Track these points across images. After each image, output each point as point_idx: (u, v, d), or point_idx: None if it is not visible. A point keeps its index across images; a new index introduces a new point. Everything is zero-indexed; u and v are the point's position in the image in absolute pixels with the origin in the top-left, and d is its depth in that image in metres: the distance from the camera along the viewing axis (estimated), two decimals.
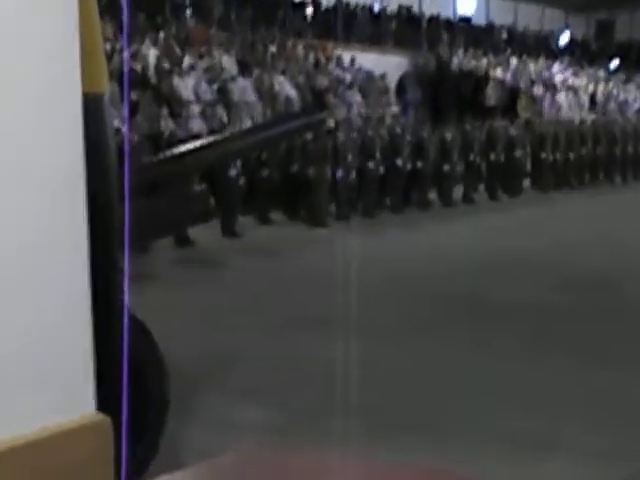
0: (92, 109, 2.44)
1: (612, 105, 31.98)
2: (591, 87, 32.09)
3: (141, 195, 4.15)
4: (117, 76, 15.72)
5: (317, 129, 12.13)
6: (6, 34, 2.08)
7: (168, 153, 5.19)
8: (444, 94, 25.88)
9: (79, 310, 2.47)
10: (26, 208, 2.23)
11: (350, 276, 8.95)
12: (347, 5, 27.38)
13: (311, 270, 10.62)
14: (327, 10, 27.04)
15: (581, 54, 37.40)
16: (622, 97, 33.17)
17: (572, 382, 6.52)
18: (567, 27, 38.36)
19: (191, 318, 8.05)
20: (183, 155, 4.58)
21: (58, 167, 2.23)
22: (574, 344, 7.54)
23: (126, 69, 15.34)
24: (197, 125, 16.56)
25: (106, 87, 2.71)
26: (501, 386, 6.48)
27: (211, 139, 5.66)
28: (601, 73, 35.50)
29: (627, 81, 35.69)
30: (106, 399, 2.65)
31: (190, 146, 4.84)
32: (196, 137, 15.26)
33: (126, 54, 16.41)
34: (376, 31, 27.78)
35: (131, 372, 2.70)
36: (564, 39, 37.86)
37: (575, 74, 33.02)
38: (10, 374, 2.31)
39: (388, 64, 25.23)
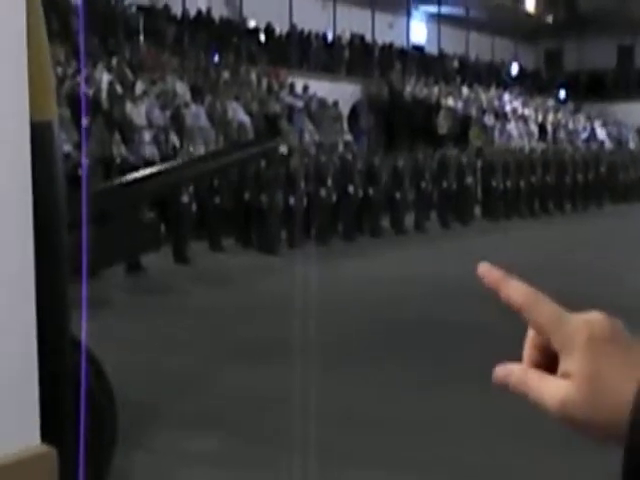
0: (40, 137, 2.41)
1: (562, 134, 32.45)
2: (541, 116, 32.55)
3: (92, 223, 4.10)
4: (69, 101, 15.66)
5: (270, 156, 12.16)
6: None
7: (119, 180, 5.15)
8: (396, 122, 26.10)
9: (24, 339, 2.43)
10: None
11: (300, 304, 8.94)
12: (301, 32, 27.50)
13: (262, 298, 10.59)
14: (280, 37, 27.15)
15: (531, 84, 37.94)
16: (571, 126, 33.67)
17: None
18: (517, 57, 38.89)
19: (141, 347, 7.97)
20: (135, 182, 4.55)
21: (5, 196, 2.20)
22: None
23: (82, 93, 15.27)
24: (149, 151, 16.49)
25: (54, 114, 2.68)
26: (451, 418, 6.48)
27: (164, 166, 5.64)
28: (551, 102, 36.05)
29: (576, 111, 36.26)
30: (52, 430, 2.61)
31: (142, 173, 4.81)
32: (148, 163, 15.26)
33: (82, 78, 16.34)
34: (329, 59, 27.94)
35: (78, 401, 2.66)
36: (514, 69, 38.38)
37: (525, 103, 33.48)
38: None
39: (341, 92, 25.39)
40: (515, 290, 0.84)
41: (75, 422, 2.83)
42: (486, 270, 0.86)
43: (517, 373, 0.83)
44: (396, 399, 6.81)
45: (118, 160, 14.80)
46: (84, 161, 9.40)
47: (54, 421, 2.60)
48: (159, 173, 4.92)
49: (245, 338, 8.55)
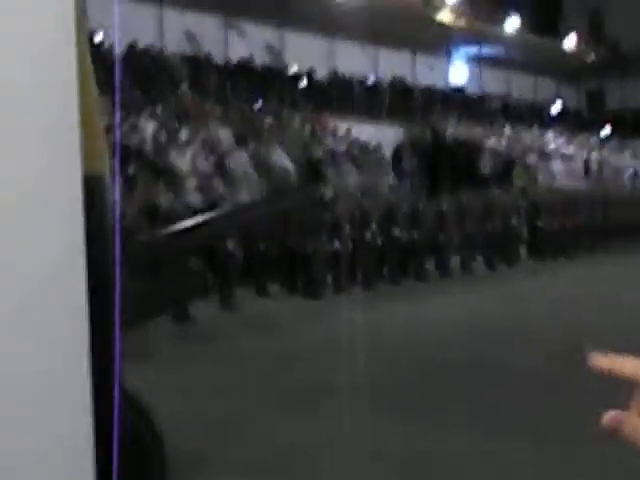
0: (92, 191, 2.43)
1: (606, 172, 32.21)
2: (584, 155, 32.36)
3: (140, 273, 4.13)
4: (113, 151, 15.85)
5: (314, 204, 12.21)
6: (8, 115, 2.07)
7: (166, 230, 5.19)
8: (439, 164, 26.06)
9: (79, 392, 2.43)
10: (26, 288, 2.20)
11: (347, 349, 8.90)
12: (342, 77, 27.69)
13: (309, 343, 10.56)
14: (322, 81, 27.35)
15: (573, 122, 37.80)
16: (615, 164, 33.42)
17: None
18: (559, 96, 38.80)
19: (188, 394, 7.97)
20: (181, 232, 4.57)
21: (58, 251, 2.21)
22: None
23: (117, 145, 15.43)
24: (194, 198, 16.60)
25: (106, 168, 2.70)
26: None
27: (209, 215, 5.66)
28: (594, 141, 35.84)
29: (620, 149, 36.01)
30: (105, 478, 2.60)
31: (188, 223, 4.84)
32: (193, 211, 15.36)
33: (117, 129, 16.53)
34: (371, 102, 28.06)
35: (130, 450, 2.65)
36: (556, 108, 38.29)
37: (568, 142, 33.31)
38: (12, 455, 2.26)
39: (383, 135, 25.47)
40: (625, 363, 0.82)
41: (128, 470, 2.82)
42: (599, 360, 0.85)
43: (633, 421, 0.80)
44: (445, 440, 6.72)
45: (163, 209, 14.87)
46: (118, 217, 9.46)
47: (108, 469, 2.59)
48: (205, 223, 4.94)
49: (292, 384, 8.51)
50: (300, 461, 6.37)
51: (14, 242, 2.14)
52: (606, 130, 38.38)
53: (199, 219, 5.01)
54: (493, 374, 9.04)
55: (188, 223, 4.81)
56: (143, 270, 4.29)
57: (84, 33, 2.52)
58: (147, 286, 4.30)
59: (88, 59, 2.61)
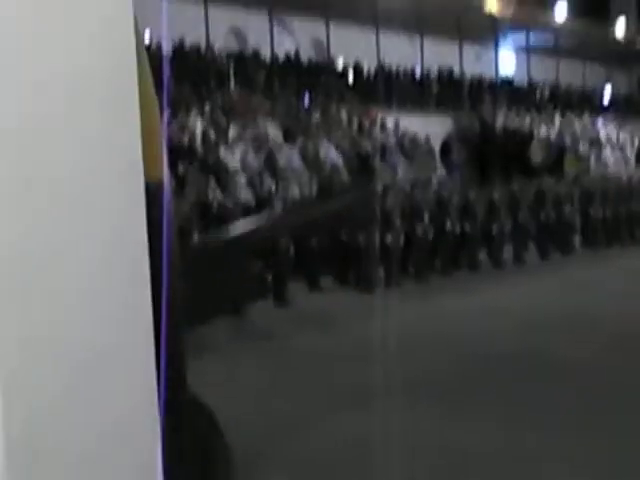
0: (153, 197, 2.42)
1: None
2: (636, 142, 31.92)
3: (202, 274, 4.14)
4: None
5: (368, 202, 12.18)
6: (72, 128, 2.07)
7: (225, 233, 5.20)
8: (489, 154, 25.87)
9: (146, 407, 2.42)
10: (93, 302, 2.20)
11: (404, 346, 8.87)
12: (389, 69, 27.59)
13: (361, 339, 10.51)
14: (369, 75, 27.28)
15: (625, 109, 37.28)
16: None
17: None
18: (609, 82, 38.30)
19: (244, 391, 7.99)
20: (240, 235, 4.57)
21: (122, 258, 2.21)
22: None
23: (165, 141, 15.52)
24: (244, 195, 16.65)
25: (165, 173, 2.69)
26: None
27: (265, 217, 5.66)
28: None
29: None
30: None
31: (246, 226, 4.85)
32: (244, 207, 15.40)
33: (165, 127, 16.63)
34: (418, 94, 27.94)
35: (198, 462, 2.65)
36: (607, 95, 37.81)
37: (619, 129, 32.87)
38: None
39: (432, 127, 25.32)
40: None
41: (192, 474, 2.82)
42: None
43: None
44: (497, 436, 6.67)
45: (215, 205, 14.93)
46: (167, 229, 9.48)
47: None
48: (261, 225, 4.95)
49: (346, 381, 8.49)
50: (354, 456, 6.36)
51: (76, 252, 2.13)
52: None
53: (255, 221, 5.02)
54: (548, 366, 8.96)
55: (246, 226, 4.81)
56: (202, 273, 4.29)
57: (139, 33, 2.50)
58: (207, 289, 4.30)
59: (146, 60, 2.58)
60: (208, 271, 4.38)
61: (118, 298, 2.27)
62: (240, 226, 4.86)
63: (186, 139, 17.36)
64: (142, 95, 2.41)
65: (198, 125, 18.21)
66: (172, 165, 15.20)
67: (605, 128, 32.29)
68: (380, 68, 26.83)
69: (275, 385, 8.46)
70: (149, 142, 2.53)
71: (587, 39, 35.04)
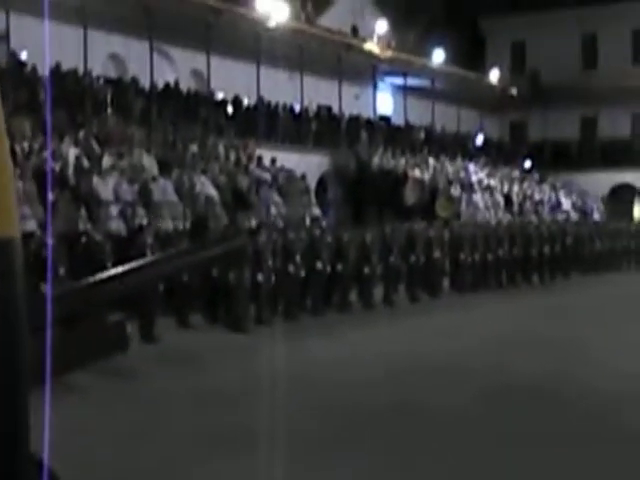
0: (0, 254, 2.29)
1: (527, 204, 32.71)
2: (506, 187, 32.82)
3: (56, 326, 3.98)
4: (35, 176, 15.53)
5: (239, 252, 12.09)
6: None
7: (85, 281, 5.04)
8: (364, 193, 26.20)
9: None
10: None
11: (269, 388, 8.80)
12: (268, 104, 27.64)
13: (229, 380, 10.41)
14: (248, 109, 27.27)
15: (496, 154, 38.35)
16: (537, 197, 33.98)
17: None
18: (482, 128, 39.34)
19: (108, 440, 7.76)
20: (101, 283, 4.44)
21: None
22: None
23: (49, 170, 15.14)
24: (116, 226, 16.35)
25: (17, 229, 2.54)
26: None
27: (131, 266, 5.52)
28: (516, 173, 36.42)
29: (541, 181, 36.65)
30: None
31: (109, 274, 4.71)
32: (115, 239, 15.09)
33: (49, 154, 16.24)
34: (297, 130, 28.08)
35: None
36: (479, 139, 38.81)
37: (491, 174, 33.77)
38: None
39: (309, 163, 25.51)
40: None
41: None
42: None
43: None
44: None
45: (84, 236, 14.53)
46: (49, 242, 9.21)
47: None
48: (126, 273, 4.81)
49: (211, 425, 8.35)
50: None
51: None
52: (528, 162, 39.05)
53: (120, 269, 4.88)
54: (411, 416, 8.94)
55: (109, 273, 4.68)
56: (61, 322, 4.15)
57: None
58: (65, 339, 4.16)
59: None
60: (66, 319, 4.24)
61: None
62: (107, 274, 4.73)
63: (58, 167, 16.93)
64: None
65: (71, 152, 17.80)
66: (42, 192, 14.81)
67: (477, 172, 33.11)
68: (259, 102, 26.85)
69: (133, 428, 8.24)
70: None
71: (462, 84, 35.96)
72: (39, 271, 4.11)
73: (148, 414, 8.82)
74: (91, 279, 4.66)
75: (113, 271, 4.69)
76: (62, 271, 11.28)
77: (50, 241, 10.79)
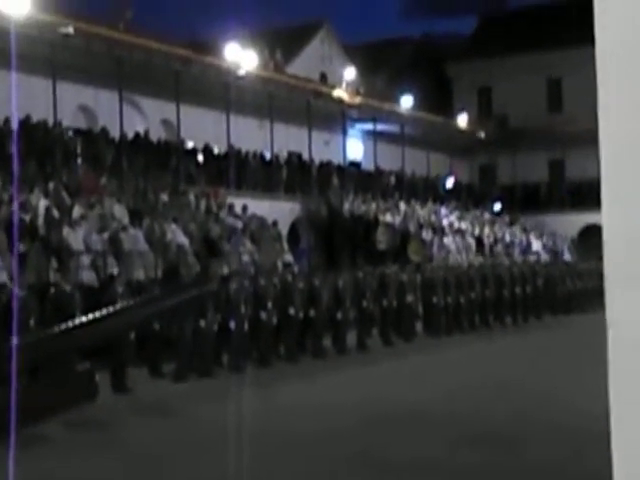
0: None
1: (498, 247, 32.89)
2: (477, 229, 33.02)
3: (21, 377, 3.98)
4: (5, 227, 15.48)
5: (209, 297, 12.09)
6: None
7: (52, 330, 5.01)
8: (336, 239, 26.25)
9: None
10: None
11: (242, 437, 8.74)
12: (238, 152, 27.72)
13: (200, 429, 10.33)
14: (219, 157, 27.34)
15: (466, 197, 38.63)
16: (508, 239, 34.18)
17: None
18: (452, 171, 39.64)
19: None
20: (68, 332, 4.42)
21: None
22: None
23: (16, 222, 15.07)
24: (87, 276, 16.29)
25: None
26: None
27: (100, 314, 5.49)
28: (486, 215, 36.65)
29: (512, 223, 36.90)
30: None
31: (76, 323, 4.69)
32: (86, 289, 15.03)
33: (16, 205, 16.18)
34: (267, 178, 28.15)
35: None
36: (449, 183, 39.08)
37: (461, 217, 33.98)
38: None
39: (280, 210, 25.55)
40: None
41: None
42: None
43: None
44: None
45: (53, 288, 14.43)
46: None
47: None
48: (94, 321, 4.80)
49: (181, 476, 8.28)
50: None
51: None
52: (497, 205, 39.32)
53: (89, 318, 4.86)
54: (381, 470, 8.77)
55: (76, 322, 4.66)
56: (27, 374, 4.12)
57: None
58: (31, 390, 4.12)
59: None
60: (32, 369, 4.20)
61: None
62: (71, 324, 4.70)
63: (28, 218, 16.87)
64: None
65: (41, 203, 17.75)
66: (12, 245, 14.75)
67: (447, 216, 33.31)
68: (230, 150, 26.92)
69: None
70: None
71: (431, 129, 36.30)
72: (9, 323, 4.08)
73: (118, 464, 8.73)
74: (57, 328, 4.64)
75: (81, 319, 4.67)
76: (32, 322, 11.20)
77: (19, 292, 10.72)
